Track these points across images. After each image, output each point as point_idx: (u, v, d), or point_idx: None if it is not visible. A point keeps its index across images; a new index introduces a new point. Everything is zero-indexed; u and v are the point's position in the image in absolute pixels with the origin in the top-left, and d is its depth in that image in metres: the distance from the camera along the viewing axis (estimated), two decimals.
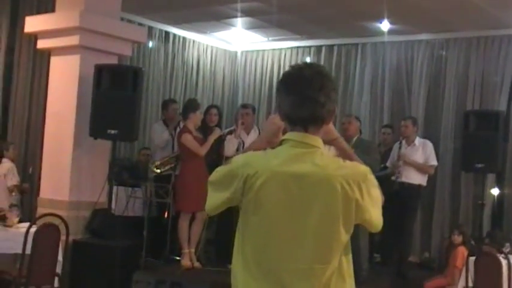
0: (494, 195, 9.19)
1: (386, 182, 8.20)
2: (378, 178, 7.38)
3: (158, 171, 8.08)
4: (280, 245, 2.36)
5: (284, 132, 2.65)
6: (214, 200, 2.50)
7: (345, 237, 2.40)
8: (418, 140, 8.42)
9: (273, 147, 2.85)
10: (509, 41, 9.25)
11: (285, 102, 2.44)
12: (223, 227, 7.99)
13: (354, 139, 7.60)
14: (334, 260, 2.37)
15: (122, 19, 8.53)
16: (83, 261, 7.28)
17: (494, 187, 9.17)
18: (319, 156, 2.40)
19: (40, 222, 6.35)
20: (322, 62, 10.93)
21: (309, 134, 2.42)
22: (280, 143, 2.48)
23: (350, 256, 2.47)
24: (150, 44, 10.44)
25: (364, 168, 2.47)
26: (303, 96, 2.39)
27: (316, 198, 2.35)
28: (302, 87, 2.39)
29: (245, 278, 2.41)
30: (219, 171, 2.50)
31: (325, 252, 2.36)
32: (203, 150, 7.47)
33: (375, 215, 2.48)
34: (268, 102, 11.51)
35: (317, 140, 2.43)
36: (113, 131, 7.28)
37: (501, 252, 6.73)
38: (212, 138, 7.56)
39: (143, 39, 8.50)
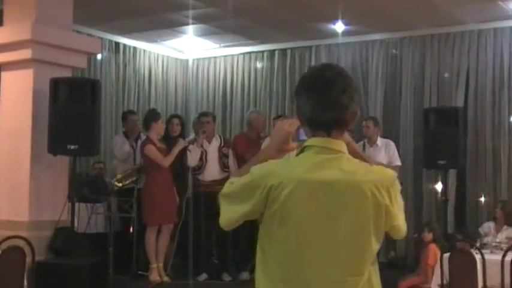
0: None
1: None
2: None
3: (120, 184, 7.88)
4: (310, 258, 2.22)
5: (293, 139, 2.53)
6: (231, 214, 2.33)
7: (376, 246, 2.28)
8: (380, 141, 8.40)
9: (282, 156, 2.71)
10: (462, 37, 9.32)
11: (306, 106, 2.30)
12: (183, 238, 7.82)
13: None
14: (366, 271, 2.25)
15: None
16: (48, 283, 6.97)
17: (454, 183, 9.22)
18: (345, 162, 2.28)
19: (3, 245, 6.05)
20: (275, 66, 10.89)
21: (333, 139, 2.29)
22: (302, 150, 2.33)
23: (377, 265, 2.34)
24: (100, 55, 10.16)
25: (391, 173, 2.36)
26: (325, 99, 2.26)
27: (346, 206, 2.22)
28: (324, 89, 2.26)
29: None
30: (235, 182, 2.33)
31: (357, 264, 2.24)
32: (167, 162, 7.30)
33: (402, 221, 2.37)
34: (222, 109, 11.35)
35: (341, 145, 2.30)
36: (72, 146, 7.03)
37: (474, 248, 6.72)
38: (176, 150, 7.40)
39: (97, 50, 8.26)
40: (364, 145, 8.25)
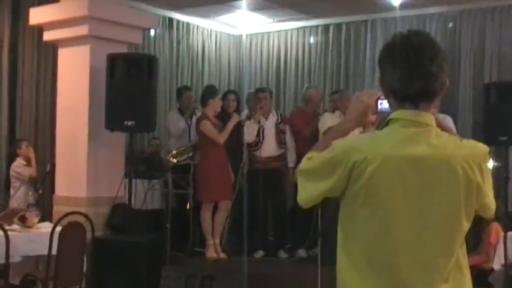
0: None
1: None
2: None
3: (175, 161, 7.84)
4: (398, 238, 2.10)
5: (372, 111, 2.41)
6: (311, 191, 2.23)
7: (466, 226, 2.15)
8: (438, 115, 8.17)
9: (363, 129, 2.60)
10: None
11: (391, 76, 2.16)
12: (239, 213, 7.78)
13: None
14: (455, 252, 2.13)
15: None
16: (106, 259, 7.01)
17: None
18: (434, 136, 2.15)
19: (64, 221, 6.09)
20: (330, 41, 10.71)
21: (421, 111, 2.16)
22: (387, 123, 2.21)
23: (464, 246, 2.21)
24: (154, 32, 10.12)
25: (483, 147, 2.22)
26: (413, 68, 2.12)
27: (436, 183, 2.09)
28: (412, 58, 2.12)
29: (353, 278, 2.15)
30: (315, 158, 2.22)
31: (448, 244, 2.12)
32: (222, 138, 7.24)
33: (491, 199, 2.23)
34: (276, 85, 11.21)
35: (430, 118, 2.18)
36: (129, 123, 7.01)
37: None
38: (231, 125, 7.32)
39: (153, 25, 8.25)
40: None
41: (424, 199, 2.09)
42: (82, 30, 7.26)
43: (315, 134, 7.47)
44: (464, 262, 2.20)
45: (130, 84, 7.04)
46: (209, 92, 7.46)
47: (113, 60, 7.06)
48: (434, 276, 2.11)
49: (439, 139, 2.15)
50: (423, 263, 2.10)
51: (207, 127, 7.20)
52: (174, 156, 7.85)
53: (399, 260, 2.10)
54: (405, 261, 2.10)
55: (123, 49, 7.57)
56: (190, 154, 7.82)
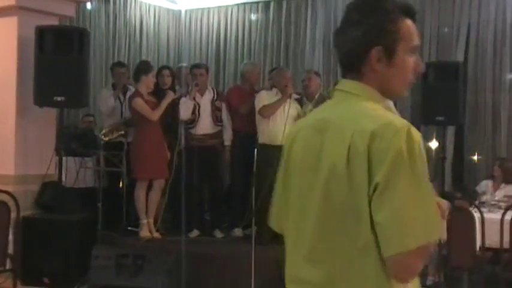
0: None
1: None
2: None
3: (106, 138, 7.63)
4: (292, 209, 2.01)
5: None
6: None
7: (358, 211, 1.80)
8: None
9: None
10: None
11: None
12: (177, 192, 7.62)
13: (316, 96, 7.29)
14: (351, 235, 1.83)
15: None
16: (35, 239, 6.81)
17: (453, 140, 9.00)
18: (347, 104, 1.93)
19: None
20: (271, 19, 10.57)
21: (343, 79, 1.99)
22: None
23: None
24: (90, 5, 9.83)
25: (401, 123, 1.82)
26: (338, 34, 1.97)
27: (324, 156, 1.88)
28: (339, 27, 1.97)
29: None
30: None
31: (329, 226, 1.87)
32: (156, 115, 7.05)
33: (396, 211, 1.74)
34: (216, 62, 11.07)
35: (352, 85, 1.94)
36: (59, 98, 6.78)
37: (473, 206, 6.56)
38: (165, 103, 7.14)
39: None
40: None
41: (313, 170, 1.92)
42: (9, 0, 6.96)
43: (251, 112, 7.34)
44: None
45: (60, 59, 6.79)
46: (142, 68, 7.25)
47: (41, 32, 6.79)
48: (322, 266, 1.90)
49: (350, 107, 1.91)
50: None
51: (140, 104, 7.01)
52: (105, 135, 7.64)
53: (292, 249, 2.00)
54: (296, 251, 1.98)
55: (54, 22, 7.30)
56: (122, 132, 7.62)
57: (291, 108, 7.10)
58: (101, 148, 7.78)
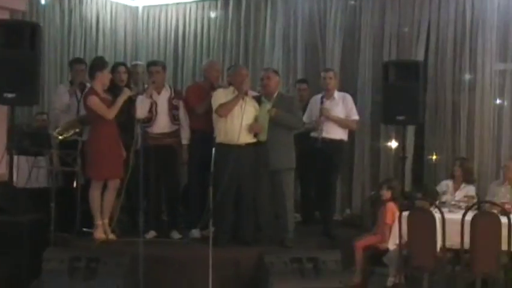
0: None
1: (307, 139, 7.89)
2: (299, 135, 7.05)
3: (61, 137, 7.39)
4: None
5: None
6: None
7: None
8: (337, 94, 8.06)
9: None
10: None
11: None
12: (135, 192, 7.45)
13: (275, 95, 7.16)
14: None
15: None
16: None
17: (413, 139, 8.97)
18: None
19: None
20: (230, 16, 10.43)
21: None
22: None
23: None
24: (43, 0, 9.58)
25: None
26: None
27: None
28: None
29: None
30: None
31: None
32: (111, 113, 6.85)
33: None
34: (174, 59, 10.91)
35: None
36: (10, 95, 6.60)
37: (434, 206, 6.51)
38: (121, 100, 6.94)
39: None
40: (323, 98, 7.90)
41: None
42: None
43: (209, 110, 7.18)
44: None
45: (10, 54, 6.61)
46: (97, 65, 7.04)
47: None
48: None
49: None
50: None
51: (95, 102, 6.79)
52: (60, 133, 7.40)
53: None
54: None
55: (4, 16, 7.09)
56: (77, 130, 7.39)
57: (248, 106, 6.95)
58: (54, 147, 7.56)
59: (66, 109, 7.71)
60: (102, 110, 6.81)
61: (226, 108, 6.92)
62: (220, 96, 7.02)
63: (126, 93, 7.01)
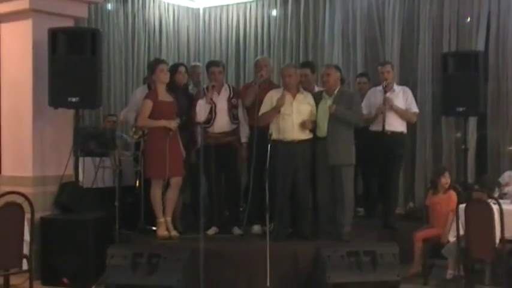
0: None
1: (366, 132, 7.91)
2: (359, 129, 6.99)
3: (136, 137, 7.61)
4: None
5: None
6: None
7: None
8: (396, 86, 8.07)
9: None
10: None
11: None
12: (197, 190, 7.64)
13: (336, 91, 7.19)
14: None
15: None
16: (53, 239, 6.91)
17: (475, 130, 8.85)
18: None
19: (1, 202, 5.90)
20: (289, 14, 10.51)
21: None
22: None
23: None
24: (109, 6, 9.89)
25: None
26: None
27: None
28: None
29: None
30: None
31: None
32: (140, 122, 7.05)
33: None
34: (236, 59, 11.07)
35: None
36: (74, 99, 6.86)
37: (491, 198, 6.44)
38: (162, 124, 7.00)
39: None
40: (385, 89, 7.90)
41: None
42: (22, 4, 7.06)
43: (254, 103, 7.29)
44: None
45: (73, 59, 6.85)
46: (149, 68, 7.26)
47: (54, 34, 6.86)
48: None
49: None
50: None
51: (144, 105, 6.98)
52: (134, 133, 7.61)
53: None
54: None
55: (68, 23, 7.36)
56: (145, 131, 7.55)
57: (298, 103, 7.04)
58: (118, 148, 7.85)
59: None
60: (141, 115, 7.01)
61: (264, 119, 7.05)
62: (267, 100, 7.12)
63: (170, 124, 7.04)
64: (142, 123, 7.06)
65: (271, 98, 7.10)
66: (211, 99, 7.43)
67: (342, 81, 7.80)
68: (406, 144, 8.42)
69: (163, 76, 7.09)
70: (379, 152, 7.89)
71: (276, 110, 6.97)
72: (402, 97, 7.99)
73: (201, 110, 7.35)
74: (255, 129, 7.43)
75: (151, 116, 7.00)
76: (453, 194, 6.97)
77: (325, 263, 6.31)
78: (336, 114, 6.98)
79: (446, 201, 6.97)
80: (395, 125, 7.89)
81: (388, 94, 7.90)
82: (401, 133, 7.95)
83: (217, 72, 7.56)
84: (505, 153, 8.60)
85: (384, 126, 7.82)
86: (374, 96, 8.04)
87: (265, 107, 7.09)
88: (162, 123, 6.99)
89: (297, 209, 7.13)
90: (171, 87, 7.31)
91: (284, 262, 6.52)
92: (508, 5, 8.67)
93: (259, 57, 8.91)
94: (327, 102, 7.10)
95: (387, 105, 7.80)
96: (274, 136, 6.94)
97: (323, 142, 7.05)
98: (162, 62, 7.29)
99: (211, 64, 7.78)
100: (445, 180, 7.09)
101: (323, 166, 7.07)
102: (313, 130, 7.12)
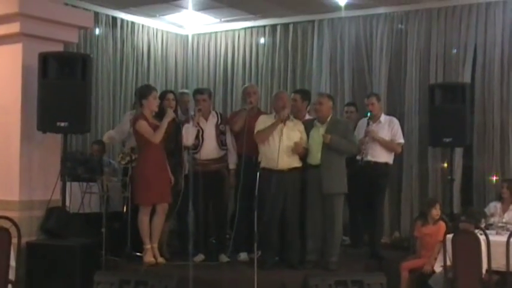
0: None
1: (353, 162, 7.95)
2: (346, 158, 6.98)
3: (123, 162, 7.59)
4: None
5: None
6: None
7: None
8: (383, 117, 8.13)
9: None
10: (470, 11, 8.95)
11: None
12: (184, 217, 7.62)
13: (328, 119, 7.24)
14: None
15: (66, 4, 7.94)
16: (39, 264, 6.82)
17: (461, 161, 8.92)
18: None
19: None
20: (277, 42, 10.59)
21: None
22: None
23: None
24: (97, 30, 9.90)
25: None
26: None
27: None
28: None
29: None
30: None
31: None
32: (158, 137, 7.01)
33: None
34: (223, 85, 11.10)
35: None
36: (62, 124, 6.83)
37: (478, 228, 6.47)
38: (165, 122, 7.08)
39: (89, 24, 7.93)
40: (369, 121, 7.97)
41: None
42: (13, 27, 7.03)
43: (243, 130, 7.32)
44: None
45: (63, 84, 6.84)
46: (141, 93, 7.24)
47: (45, 59, 6.85)
48: None
49: None
50: None
51: (142, 125, 6.99)
52: (122, 159, 7.60)
53: None
54: None
55: (58, 48, 7.35)
56: (131, 157, 7.55)
57: (288, 130, 7.07)
58: (106, 173, 7.82)
59: (127, 137, 7.84)
60: (149, 134, 6.99)
61: (262, 135, 7.06)
62: (260, 122, 7.16)
63: (170, 116, 7.15)
64: (158, 136, 7.02)
65: (264, 122, 7.14)
66: (198, 124, 7.46)
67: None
68: (391, 174, 8.46)
69: (155, 104, 7.12)
70: (363, 182, 7.93)
71: (278, 122, 7.00)
72: (388, 128, 8.05)
73: (188, 133, 7.37)
74: (242, 156, 7.46)
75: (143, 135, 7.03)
76: (442, 225, 7.00)
77: None
78: (331, 144, 7.01)
79: (436, 232, 7.00)
80: (379, 155, 7.94)
81: (374, 126, 7.96)
82: (385, 164, 7.99)
83: (201, 100, 7.59)
84: (490, 184, 8.68)
85: (362, 157, 7.84)
86: (362, 127, 8.10)
87: (258, 127, 7.09)
88: (165, 122, 7.04)
89: (285, 237, 7.13)
90: (159, 114, 7.31)
91: None
92: (493, 38, 8.81)
93: (247, 84, 8.97)
94: (320, 131, 7.14)
95: (369, 137, 7.85)
96: (263, 164, 6.95)
97: (315, 170, 7.07)
98: (154, 89, 7.31)
99: (197, 92, 7.82)
100: (436, 212, 7.14)
101: (315, 194, 7.08)
102: (303, 157, 7.14)
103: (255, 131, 7.13)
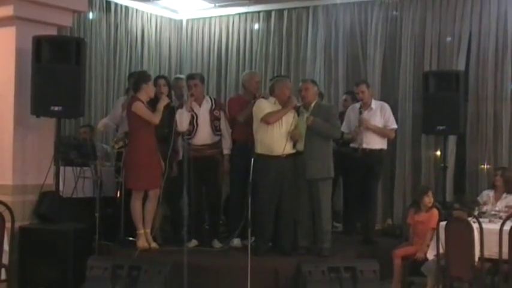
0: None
1: (347, 149, 7.97)
2: (340, 146, 7.05)
3: (116, 147, 7.59)
4: None
5: None
6: None
7: None
8: (374, 103, 8.13)
9: None
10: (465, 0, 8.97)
11: None
12: (178, 202, 7.62)
13: (313, 104, 7.24)
14: None
15: None
16: (32, 249, 6.82)
17: (454, 149, 8.95)
18: None
19: None
20: (272, 28, 10.54)
21: None
22: None
23: None
24: (91, 15, 9.82)
25: None
26: None
27: None
28: None
29: None
30: None
31: None
32: (156, 118, 7.01)
33: None
34: (217, 71, 11.06)
35: None
36: (56, 108, 6.80)
37: (471, 216, 6.49)
38: (161, 105, 7.08)
39: (83, 7, 7.88)
40: (361, 109, 7.98)
41: None
42: (7, 10, 6.99)
43: (249, 122, 7.31)
44: None
45: (57, 68, 6.80)
46: (142, 77, 7.20)
47: (38, 42, 6.80)
48: None
49: None
50: None
51: (140, 107, 6.96)
52: (116, 143, 7.59)
53: None
54: None
55: (52, 32, 7.32)
56: (127, 142, 7.51)
57: (286, 117, 7.09)
58: (99, 158, 7.80)
59: (120, 121, 7.83)
60: (148, 115, 6.97)
61: (275, 117, 7.04)
62: (264, 106, 7.13)
63: (165, 100, 7.16)
64: (157, 118, 7.03)
65: (266, 103, 7.14)
66: (192, 110, 7.44)
67: (321, 95, 7.85)
68: (385, 160, 8.48)
69: (154, 90, 7.12)
70: (358, 169, 7.95)
71: (290, 108, 7.04)
72: (380, 114, 8.05)
73: (182, 118, 7.36)
74: (238, 142, 7.50)
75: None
76: (435, 213, 7.01)
77: (306, 279, 6.32)
78: (313, 126, 7.01)
79: (429, 220, 7.01)
80: (374, 142, 7.96)
81: (366, 113, 7.96)
82: (380, 150, 8.01)
83: (193, 85, 7.57)
84: (483, 173, 8.71)
85: (358, 147, 7.86)
86: (352, 113, 8.10)
87: (263, 110, 7.10)
88: (161, 105, 7.07)
89: (279, 224, 7.13)
90: (151, 99, 7.28)
91: (265, 277, 6.51)
92: (488, 26, 8.81)
93: (247, 72, 8.83)
94: (305, 116, 7.14)
95: (363, 126, 7.86)
96: (259, 150, 6.95)
97: (301, 156, 7.08)
98: (148, 77, 7.28)
99: (189, 77, 7.81)
100: (429, 199, 7.15)
101: (303, 180, 7.10)
102: (295, 144, 7.15)
103: (263, 113, 7.07)
